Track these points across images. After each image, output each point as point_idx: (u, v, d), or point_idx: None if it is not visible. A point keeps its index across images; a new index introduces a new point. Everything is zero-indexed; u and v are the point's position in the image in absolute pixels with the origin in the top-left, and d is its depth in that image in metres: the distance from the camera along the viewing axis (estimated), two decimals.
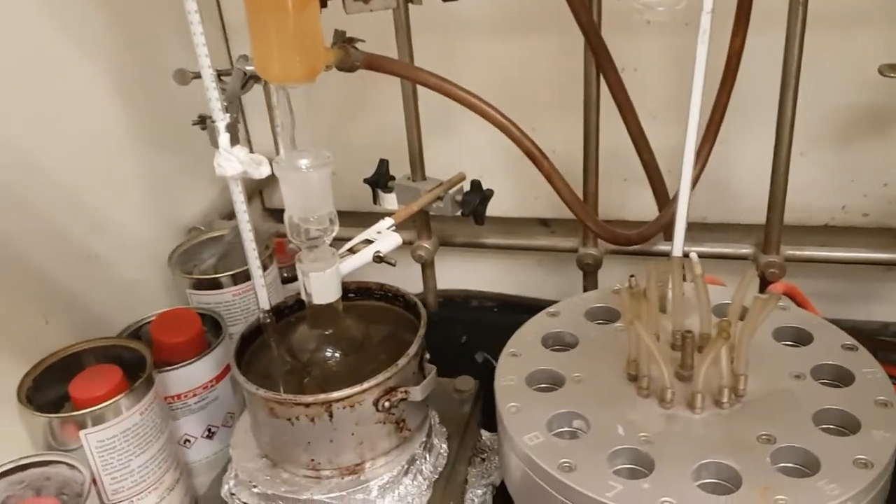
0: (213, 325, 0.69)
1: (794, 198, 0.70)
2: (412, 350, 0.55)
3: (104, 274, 0.70)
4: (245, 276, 0.73)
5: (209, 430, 0.68)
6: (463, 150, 0.87)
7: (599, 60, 0.61)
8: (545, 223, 0.98)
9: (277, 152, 0.53)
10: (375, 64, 0.56)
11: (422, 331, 0.57)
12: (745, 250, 0.68)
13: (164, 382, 0.64)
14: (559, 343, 0.57)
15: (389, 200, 0.73)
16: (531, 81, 0.83)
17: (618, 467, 0.46)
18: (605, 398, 0.50)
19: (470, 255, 0.96)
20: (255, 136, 0.94)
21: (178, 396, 0.65)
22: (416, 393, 0.55)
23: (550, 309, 0.60)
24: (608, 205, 0.82)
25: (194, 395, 0.66)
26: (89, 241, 0.68)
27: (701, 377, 0.47)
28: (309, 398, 0.52)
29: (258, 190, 0.97)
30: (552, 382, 0.53)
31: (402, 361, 0.54)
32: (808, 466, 0.44)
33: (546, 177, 0.59)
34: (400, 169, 0.77)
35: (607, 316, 0.59)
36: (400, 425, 0.56)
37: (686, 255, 0.53)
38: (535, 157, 0.57)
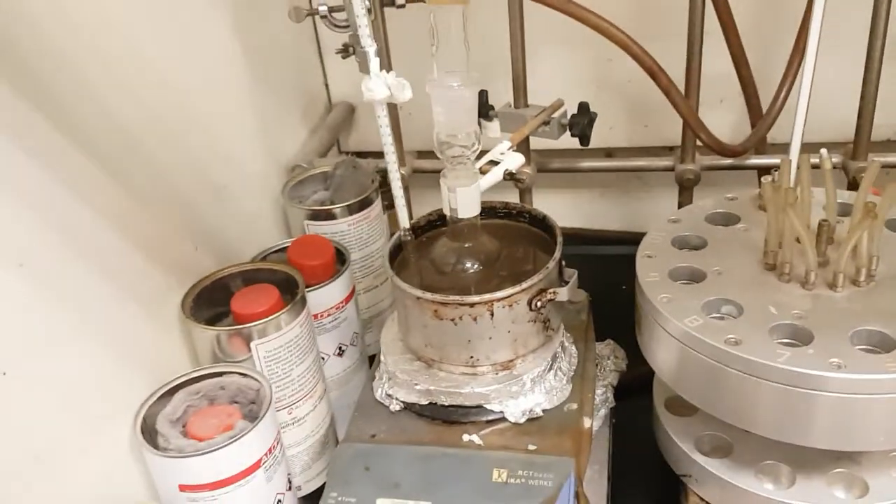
0: (335, 252, 0.73)
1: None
2: (556, 255, 0.60)
3: (233, 205, 0.73)
4: (358, 207, 0.77)
5: (340, 349, 0.72)
6: (541, 85, 0.91)
7: None
8: (609, 153, 1.02)
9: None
10: None
11: (560, 238, 0.62)
12: (835, 159, 0.73)
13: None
14: (688, 245, 0.62)
15: (492, 129, 0.77)
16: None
17: (779, 340, 0.51)
18: (750, 285, 0.55)
19: (535, 192, 1.00)
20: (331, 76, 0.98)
21: (317, 316, 0.69)
22: (563, 293, 0.59)
23: (670, 217, 0.65)
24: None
25: (329, 315, 0.70)
26: (221, 174, 0.72)
27: (845, 258, 0.52)
28: (474, 298, 0.56)
29: (337, 135, 1.00)
30: (693, 278, 0.58)
31: (550, 265, 0.59)
32: None
33: (664, 91, 0.63)
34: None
35: (726, 221, 0.64)
36: (546, 324, 0.61)
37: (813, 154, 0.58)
38: (655, 72, 0.62)
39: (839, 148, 0.75)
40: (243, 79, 0.77)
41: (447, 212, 0.61)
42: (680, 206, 0.77)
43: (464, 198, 0.60)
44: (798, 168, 0.57)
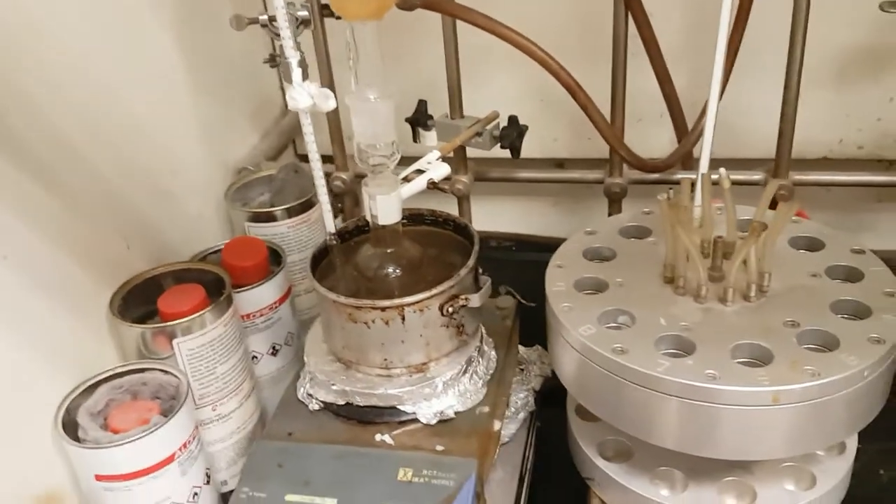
0: (272, 253, 0.76)
1: (795, 132, 0.77)
2: (470, 262, 0.62)
3: (172, 206, 0.75)
4: (298, 210, 0.79)
5: (273, 348, 0.75)
6: (488, 97, 0.93)
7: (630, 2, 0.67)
8: (560, 164, 1.04)
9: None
10: (433, 3, 0.62)
11: (476, 246, 0.64)
12: (757, 177, 0.75)
13: (237, 302, 0.70)
14: (598, 257, 0.64)
15: (430, 138, 0.80)
16: (552, 29, 0.90)
17: (663, 351, 0.53)
18: (646, 297, 0.58)
19: (489, 200, 1.02)
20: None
21: (248, 316, 0.72)
22: (475, 300, 0.62)
23: (587, 229, 0.67)
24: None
25: (261, 315, 0.72)
26: (160, 175, 0.74)
27: (733, 273, 0.55)
28: (385, 302, 0.59)
29: (291, 139, 1.02)
30: (596, 288, 0.60)
31: (462, 271, 0.61)
32: (828, 346, 0.52)
33: (582, 107, 0.65)
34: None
35: (638, 234, 0.66)
36: (460, 329, 0.63)
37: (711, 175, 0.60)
38: (573, 88, 0.64)
39: (765, 165, 0.77)
40: (188, 84, 0.79)
41: (369, 218, 0.64)
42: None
43: (384, 205, 0.62)
44: (702, 186, 0.60)
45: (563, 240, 1.07)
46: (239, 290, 0.70)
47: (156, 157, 0.74)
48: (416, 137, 0.80)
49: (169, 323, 0.62)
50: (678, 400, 0.50)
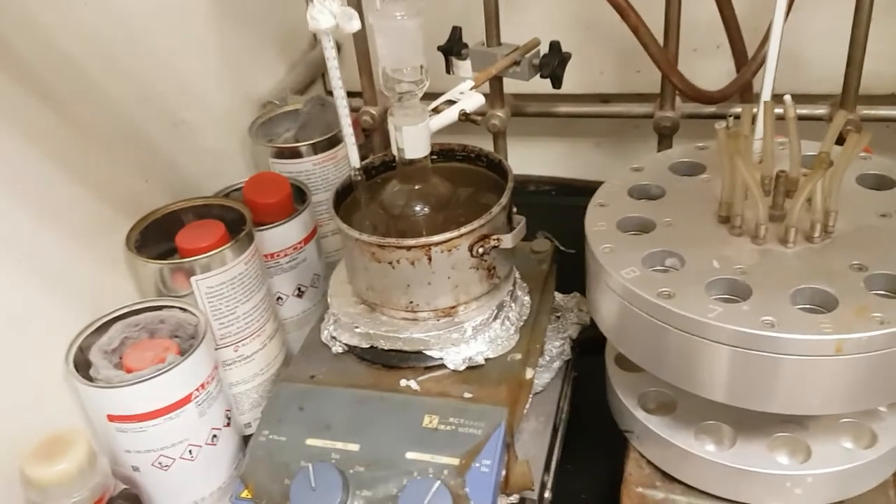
0: (296, 191, 0.72)
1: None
2: (503, 200, 0.58)
3: (192, 140, 0.72)
4: (324, 146, 0.75)
5: (299, 290, 0.72)
6: (528, 25, 0.87)
7: None
8: (606, 100, 0.98)
9: None
10: None
11: (510, 183, 0.59)
12: (821, 111, 0.68)
13: (260, 241, 0.67)
14: (645, 195, 0.59)
15: (464, 68, 0.74)
16: None
17: (715, 296, 0.48)
18: (698, 238, 0.52)
19: (527, 140, 0.97)
20: None
21: (272, 255, 0.69)
22: (508, 240, 0.57)
23: (634, 165, 0.62)
24: None
25: (286, 255, 0.69)
26: (179, 107, 0.70)
27: (796, 211, 0.49)
28: (410, 241, 0.55)
29: (321, 73, 0.98)
30: (642, 228, 0.55)
31: (494, 210, 0.57)
32: None
33: (633, 28, 0.60)
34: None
35: (690, 171, 0.61)
36: (491, 272, 0.59)
37: (779, 98, 0.54)
38: (623, 7, 0.58)
39: (831, 100, 0.70)
40: (209, 10, 0.75)
41: (395, 152, 0.59)
42: None
43: (411, 137, 0.58)
44: (763, 116, 0.54)
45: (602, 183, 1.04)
46: (261, 227, 0.67)
47: (176, 88, 0.70)
48: (449, 68, 0.75)
49: (187, 259, 0.59)
50: (730, 349, 0.45)
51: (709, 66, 0.85)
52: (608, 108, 0.76)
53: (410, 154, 0.58)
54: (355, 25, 0.57)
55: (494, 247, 0.57)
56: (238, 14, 0.79)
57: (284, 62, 0.89)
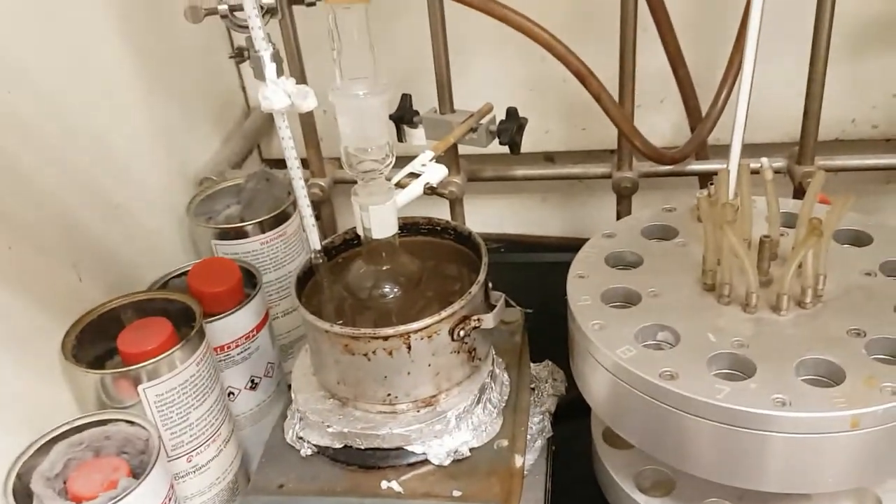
0: (244, 273, 0.67)
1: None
2: (481, 278, 0.54)
3: (129, 226, 0.66)
4: (272, 223, 0.70)
5: (252, 382, 0.66)
6: (471, 87, 0.85)
7: None
8: (550, 158, 0.97)
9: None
10: None
11: (485, 258, 0.56)
12: (779, 164, 0.68)
13: (209, 334, 0.61)
14: (622, 262, 0.57)
15: (417, 136, 0.72)
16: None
17: (716, 372, 0.46)
18: (687, 309, 0.51)
19: (472, 199, 0.95)
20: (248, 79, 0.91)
21: (223, 348, 0.63)
22: (489, 320, 0.54)
23: (605, 231, 0.60)
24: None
25: (237, 346, 0.64)
26: (113, 191, 0.64)
27: (788, 279, 0.48)
28: (388, 331, 0.51)
29: (256, 142, 0.93)
30: (627, 300, 0.53)
31: (474, 289, 0.53)
32: None
33: (594, 96, 0.58)
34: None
35: (663, 234, 0.59)
36: (472, 354, 0.55)
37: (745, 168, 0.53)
38: (583, 74, 0.57)
39: (783, 150, 0.71)
40: (139, 85, 0.70)
41: (360, 232, 0.56)
42: (619, 216, 0.72)
43: (378, 217, 0.54)
44: (738, 178, 0.53)
45: (556, 238, 1.02)
46: (211, 319, 0.61)
47: (108, 171, 0.64)
48: (401, 136, 0.72)
49: (132, 367, 0.53)
50: (742, 430, 0.43)
51: (654, 122, 0.86)
52: (566, 169, 0.75)
53: (378, 234, 0.55)
54: (311, 104, 0.53)
55: (475, 327, 0.54)
56: (167, 86, 0.74)
57: (219, 134, 0.84)
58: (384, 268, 0.57)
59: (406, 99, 0.71)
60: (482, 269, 0.55)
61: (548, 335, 0.65)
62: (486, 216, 1.02)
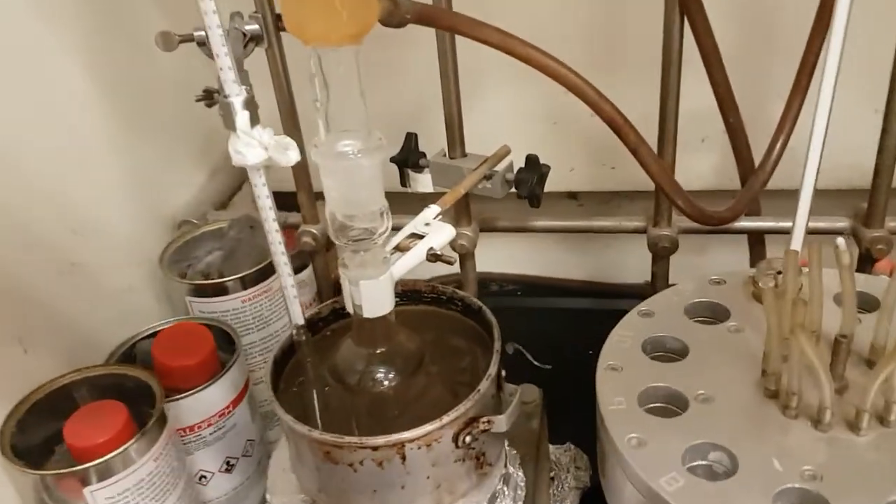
0: (221, 337, 0.58)
1: (863, 160, 0.62)
2: (491, 370, 0.45)
3: (87, 286, 0.57)
4: (255, 278, 0.62)
5: (227, 463, 0.58)
6: (485, 124, 0.77)
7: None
8: (573, 196, 0.88)
9: None
10: (429, 17, 0.45)
11: (497, 344, 0.47)
12: (841, 224, 0.59)
13: (175, 413, 0.52)
14: (661, 349, 0.48)
15: (423, 182, 0.63)
16: (566, 37, 0.73)
17: None
18: (745, 422, 0.41)
19: (486, 235, 0.86)
20: None
21: (191, 428, 0.54)
22: (501, 423, 0.45)
23: (642, 307, 0.51)
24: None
25: (209, 426, 0.55)
26: (69, 249, 0.56)
27: (872, 394, 0.39)
28: (379, 440, 0.42)
29: (244, 179, 0.84)
30: (670, 402, 0.44)
31: (483, 385, 0.44)
32: None
33: (632, 149, 0.49)
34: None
35: (711, 315, 0.50)
36: (480, 460, 0.46)
37: (823, 240, 0.44)
38: (619, 125, 0.48)
39: (843, 201, 0.61)
40: (110, 123, 0.62)
41: (350, 309, 0.47)
42: (653, 278, 0.63)
43: (370, 293, 0.45)
44: (812, 268, 0.43)
45: (577, 282, 0.93)
46: (178, 397, 0.53)
47: (61, 226, 0.56)
48: (404, 182, 0.63)
49: (79, 467, 0.45)
50: None
51: (694, 163, 0.76)
52: (595, 222, 0.65)
53: (370, 312, 0.46)
54: (293, 158, 0.45)
55: (485, 431, 0.45)
56: (142, 121, 0.66)
57: (203, 169, 0.75)
58: (377, 350, 0.48)
59: (411, 138, 0.62)
60: (493, 359, 0.46)
61: (570, 401, 0.54)
62: (501, 255, 0.94)
